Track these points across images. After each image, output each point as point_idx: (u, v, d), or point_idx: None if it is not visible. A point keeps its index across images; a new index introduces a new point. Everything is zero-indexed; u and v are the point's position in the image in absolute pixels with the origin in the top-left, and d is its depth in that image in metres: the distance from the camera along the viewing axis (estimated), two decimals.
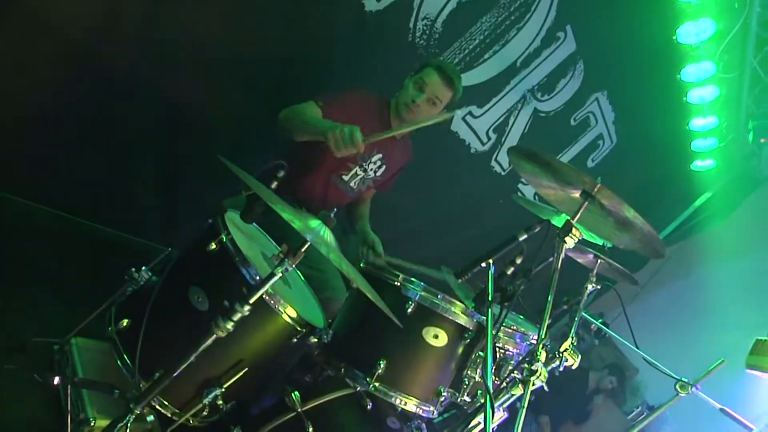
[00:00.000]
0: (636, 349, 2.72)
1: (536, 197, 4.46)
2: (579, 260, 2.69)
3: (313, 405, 2.29)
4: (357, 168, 2.95)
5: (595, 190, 1.89)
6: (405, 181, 3.37)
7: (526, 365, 1.71)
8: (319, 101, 2.69)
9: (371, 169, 2.99)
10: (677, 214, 6.02)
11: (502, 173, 4.52)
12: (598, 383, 5.88)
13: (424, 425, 2.24)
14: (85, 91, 2.63)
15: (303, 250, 1.79)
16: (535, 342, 1.88)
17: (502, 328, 2.19)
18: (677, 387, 2.62)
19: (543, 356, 1.72)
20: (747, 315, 3.00)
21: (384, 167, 3.01)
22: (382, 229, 3.01)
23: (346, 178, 2.95)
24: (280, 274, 1.80)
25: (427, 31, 3.36)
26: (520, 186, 4.73)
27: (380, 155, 2.98)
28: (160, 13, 2.62)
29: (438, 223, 4.36)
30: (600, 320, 5.41)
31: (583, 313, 2.98)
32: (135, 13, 2.57)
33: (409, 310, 2.03)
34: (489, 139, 4.25)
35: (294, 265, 1.80)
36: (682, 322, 5.09)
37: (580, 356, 2.19)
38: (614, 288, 2.81)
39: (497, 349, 2.17)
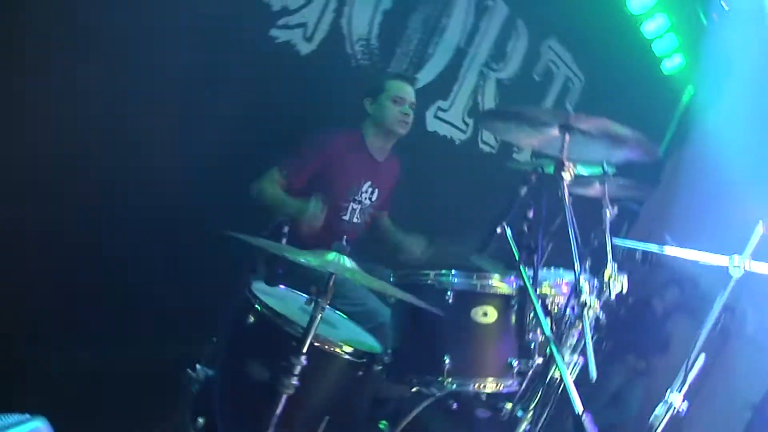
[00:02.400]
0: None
1: (532, 157, 4.49)
2: (593, 195, 2.72)
3: (403, 427, 2.34)
4: (352, 204, 3.05)
5: (570, 119, 1.94)
6: (406, 196, 3.46)
7: (574, 302, 1.75)
8: (282, 170, 2.85)
9: (365, 198, 3.09)
10: (671, 121, 6.04)
11: (493, 151, 4.58)
12: (664, 303, 5.84)
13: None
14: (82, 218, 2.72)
15: (331, 284, 1.85)
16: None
17: (543, 283, 2.25)
18: (729, 270, 2.61)
19: (586, 287, 1.75)
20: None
21: (376, 191, 3.12)
22: None
23: (346, 217, 3.05)
24: (320, 315, 1.86)
25: (366, 51, 3.46)
26: (514, 155, 4.77)
27: (369, 182, 3.08)
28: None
29: (451, 222, 4.40)
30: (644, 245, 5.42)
31: (621, 242, 2.99)
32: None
33: (450, 300, 2.07)
34: (467, 125, 4.32)
35: (328, 303, 1.86)
36: (712, 212, 5.09)
37: (625, 277, 2.21)
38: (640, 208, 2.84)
39: (548, 305, 2.20)
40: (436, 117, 4.06)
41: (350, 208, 3.06)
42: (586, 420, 1.45)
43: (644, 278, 6.29)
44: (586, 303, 1.74)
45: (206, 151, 2.96)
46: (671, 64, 5.26)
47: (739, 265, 2.57)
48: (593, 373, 1.81)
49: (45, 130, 2.48)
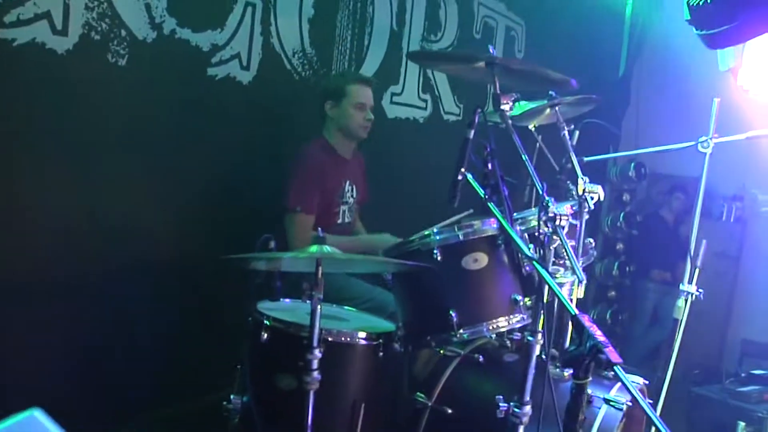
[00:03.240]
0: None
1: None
2: (553, 121, 2.79)
3: (437, 392, 2.40)
4: (342, 207, 3.14)
5: (493, 59, 2.01)
6: (385, 187, 3.55)
7: (544, 218, 1.81)
8: (297, 208, 2.93)
9: (349, 197, 3.18)
10: (621, 38, 6.12)
11: (459, 118, 4.65)
12: (672, 212, 5.88)
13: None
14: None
15: (320, 275, 1.92)
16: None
17: (530, 218, 2.30)
18: (700, 149, 2.68)
19: (551, 203, 1.82)
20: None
21: (354, 187, 3.20)
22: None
23: (340, 221, 3.13)
24: (318, 307, 1.93)
25: (305, 62, 3.53)
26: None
27: (348, 181, 3.16)
28: None
29: (436, 200, 4.46)
30: (633, 164, 5.49)
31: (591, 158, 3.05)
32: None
33: (439, 257, 2.13)
34: (425, 101, 4.39)
35: (321, 293, 1.94)
36: (678, 108, 5.17)
37: (599, 186, 2.28)
38: (602, 123, 2.91)
39: (533, 233, 2.25)
40: (393, 103, 4.13)
41: (341, 211, 3.15)
42: (583, 318, 1.50)
43: (647, 193, 6.36)
44: (554, 216, 1.80)
45: (179, 202, 3.05)
46: None
47: (706, 142, 2.63)
48: (581, 276, 1.87)
49: None
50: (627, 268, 5.77)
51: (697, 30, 2.39)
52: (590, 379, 1.52)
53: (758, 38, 2.53)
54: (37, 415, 0.73)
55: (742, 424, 3.12)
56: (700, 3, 2.28)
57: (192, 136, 3.04)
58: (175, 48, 2.89)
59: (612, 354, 1.42)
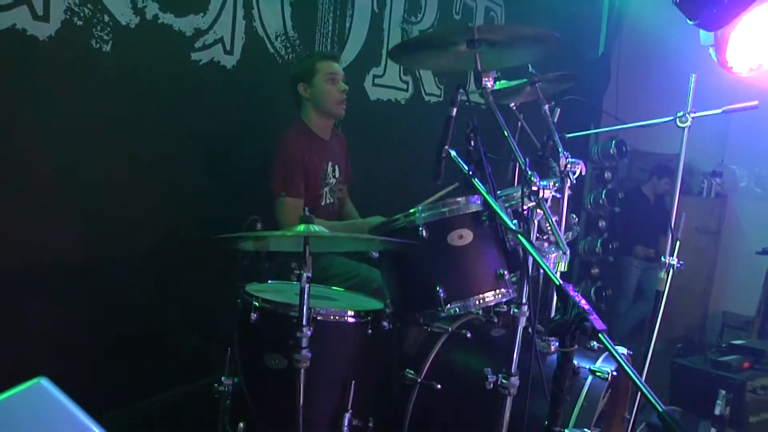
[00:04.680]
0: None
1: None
2: (534, 98, 2.83)
3: (426, 368, 2.45)
4: (324, 189, 3.15)
5: (475, 34, 2.03)
6: (368, 169, 3.58)
7: (527, 192, 1.85)
8: (283, 194, 2.95)
9: (331, 178, 3.19)
10: (600, 15, 6.16)
11: (440, 99, 4.67)
12: (656, 191, 5.95)
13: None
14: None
15: (308, 253, 1.95)
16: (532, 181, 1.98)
17: (514, 195, 2.34)
18: (678, 124, 2.72)
19: (534, 177, 1.85)
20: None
21: (336, 168, 3.21)
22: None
23: (324, 202, 3.15)
24: (307, 286, 1.96)
25: (288, 44, 3.53)
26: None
27: (329, 162, 3.18)
28: None
29: (419, 181, 4.50)
30: (614, 141, 5.55)
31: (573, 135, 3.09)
32: None
33: (425, 233, 2.16)
34: (406, 83, 4.41)
35: (309, 271, 1.96)
36: (657, 83, 5.25)
37: (581, 162, 2.32)
38: (580, 99, 2.95)
39: (517, 209, 2.29)
40: (375, 85, 4.15)
41: (324, 192, 3.16)
42: (567, 287, 1.54)
43: (628, 170, 6.43)
44: (537, 191, 1.83)
45: (165, 187, 3.06)
46: None
47: (684, 117, 2.68)
48: (564, 248, 1.91)
49: None
50: (610, 245, 5.85)
51: (690, 20, 2.43)
52: (576, 347, 1.57)
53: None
54: (44, 383, 0.74)
55: (722, 392, 3.20)
56: None
57: (177, 120, 3.05)
58: (158, 33, 2.88)
59: (596, 321, 1.46)
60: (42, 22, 2.47)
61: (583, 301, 1.53)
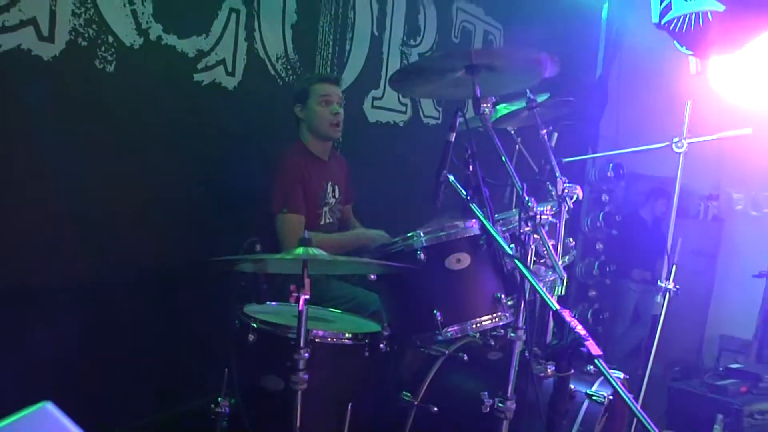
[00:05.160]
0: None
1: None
2: (531, 123, 2.86)
3: (423, 391, 2.45)
4: (323, 209, 3.17)
5: (473, 59, 2.06)
6: (367, 190, 3.63)
7: (524, 217, 1.87)
8: (284, 209, 2.96)
9: (331, 198, 3.21)
10: (598, 40, 6.24)
11: (438, 121, 4.71)
12: (653, 212, 5.98)
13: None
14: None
15: (306, 275, 1.96)
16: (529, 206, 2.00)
17: (512, 219, 2.36)
18: (675, 149, 2.75)
19: (532, 202, 1.87)
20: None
21: (336, 188, 3.24)
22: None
23: (323, 222, 3.16)
24: (305, 308, 1.97)
25: (288, 66, 3.57)
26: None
27: (329, 182, 3.20)
28: None
29: (418, 203, 4.53)
30: (611, 165, 5.58)
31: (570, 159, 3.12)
32: None
33: (422, 257, 2.18)
34: (405, 105, 4.45)
35: (309, 293, 1.97)
36: (653, 107, 5.30)
37: (578, 186, 2.34)
38: (574, 123, 2.98)
39: (514, 233, 2.31)
40: (374, 107, 4.18)
41: (323, 212, 3.18)
42: (564, 313, 1.55)
43: (625, 193, 6.46)
44: (535, 216, 1.85)
45: (166, 207, 3.08)
46: None
47: (680, 142, 2.72)
48: (561, 273, 1.93)
49: None
50: (607, 268, 5.85)
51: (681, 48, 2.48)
52: (572, 372, 1.58)
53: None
54: (49, 407, 0.76)
55: (720, 416, 3.20)
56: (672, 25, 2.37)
57: (179, 141, 3.08)
58: (161, 54, 2.92)
59: (592, 347, 1.47)
60: (47, 43, 2.50)
61: (579, 327, 1.55)
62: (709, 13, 2.39)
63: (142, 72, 2.87)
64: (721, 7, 2.23)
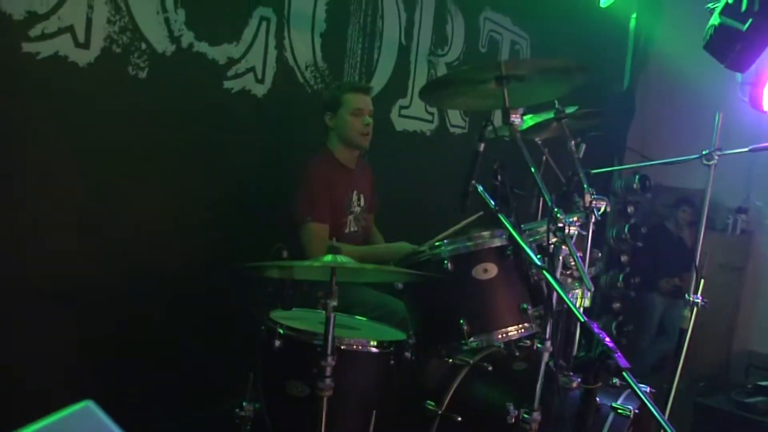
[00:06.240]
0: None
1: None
2: (559, 135, 2.86)
3: (447, 400, 2.45)
4: (349, 217, 3.19)
5: (503, 69, 2.07)
6: (394, 199, 3.67)
7: (553, 229, 1.86)
8: (308, 218, 2.97)
9: (356, 206, 3.23)
10: (626, 52, 6.20)
11: (465, 130, 4.71)
12: (678, 224, 5.92)
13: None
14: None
15: (334, 283, 1.97)
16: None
17: (539, 229, 2.35)
18: (704, 162, 2.73)
19: (560, 213, 1.87)
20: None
21: (361, 196, 3.25)
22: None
23: (348, 230, 3.18)
24: (333, 315, 1.98)
25: (317, 75, 3.60)
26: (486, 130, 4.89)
27: (354, 191, 3.21)
28: None
29: (445, 211, 4.53)
30: (637, 176, 5.54)
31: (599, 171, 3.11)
32: None
33: (450, 266, 2.19)
34: (431, 114, 4.46)
35: (336, 301, 1.98)
36: (682, 119, 5.26)
37: (605, 199, 2.33)
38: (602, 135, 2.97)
39: (541, 243, 2.30)
40: (401, 116, 4.20)
41: (349, 220, 3.20)
42: (592, 325, 1.55)
43: (651, 205, 6.40)
44: (563, 227, 1.85)
45: (195, 212, 3.12)
46: None
47: (710, 155, 2.69)
48: (589, 285, 1.92)
49: None
50: (632, 280, 5.80)
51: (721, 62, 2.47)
52: (599, 384, 1.57)
53: None
54: (91, 406, 0.77)
55: None
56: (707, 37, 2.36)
57: (209, 148, 3.12)
58: (192, 61, 2.97)
59: (621, 359, 1.46)
60: (83, 49, 2.56)
61: (607, 339, 1.54)
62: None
63: (174, 78, 2.91)
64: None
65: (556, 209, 1.87)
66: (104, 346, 2.82)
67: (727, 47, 2.33)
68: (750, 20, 2.28)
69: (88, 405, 0.78)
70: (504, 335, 2.18)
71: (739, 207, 6.07)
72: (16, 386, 2.55)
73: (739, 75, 2.59)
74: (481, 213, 2.42)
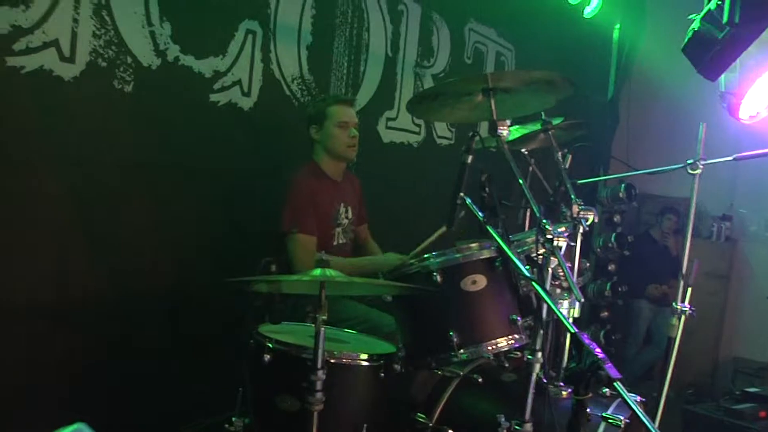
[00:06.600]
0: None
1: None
2: (545, 146, 2.88)
3: (438, 412, 2.44)
4: (337, 229, 3.18)
5: (489, 82, 2.08)
6: (382, 210, 3.67)
7: (541, 240, 1.87)
8: (294, 230, 2.96)
9: (344, 219, 3.22)
10: (609, 61, 6.26)
11: (451, 141, 4.73)
12: (662, 232, 5.96)
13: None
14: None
15: (323, 296, 1.97)
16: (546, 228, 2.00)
17: (527, 240, 2.36)
18: (689, 171, 2.76)
19: (549, 225, 1.88)
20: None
21: (349, 209, 3.25)
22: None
23: (336, 243, 3.17)
24: (323, 329, 1.97)
25: (304, 87, 3.61)
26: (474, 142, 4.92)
27: (341, 203, 3.21)
28: None
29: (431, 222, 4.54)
30: (623, 185, 5.57)
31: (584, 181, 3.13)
32: None
33: (438, 278, 2.18)
34: (418, 126, 4.47)
35: (326, 315, 1.97)
36: (665, 129, 5.31)
37: (593, 209, 2.34)
38: (588, 145, 2.99)
39: (530, 254, 2.31)
40: (388, 128, 4.21)
41: (336, 233, 3.19)
42: (582, 336, 1.55)
43: (637, 214, 6.45)
44: (551, 238, 1.86)
45: (181, 226, 3.10)
46: (590, 8, 5.43)
47: (694, 164, 2.72)
48: (578, 295, 1.93)
49: None
50: (619, 289, 5.82)
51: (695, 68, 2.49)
52: (590, 395, 1.57)
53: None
54: (84, 429, 0.76)
55: None
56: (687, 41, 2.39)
57: (194, 161, 3.10)
58: (178, 74, 2.96)
59: (612, 370, 1.47)
60: (68, 63, 2.54)
61: (597, 349, 1.54)
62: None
63: (160, 92, 2.91)
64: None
65: (544, 220, 1.88)
66: (93, 363, 2.80)
67: (702, 53, 2.35)
68: (727, 29, 2.31)
69: (80, 428, 0.77)
70: (494, 347, 2.18)
71: (723, 215, 6.13)
72: (6, 408, 2.52)
73: (722, 84, 2.61)
74: (443, 229, 2.43)
